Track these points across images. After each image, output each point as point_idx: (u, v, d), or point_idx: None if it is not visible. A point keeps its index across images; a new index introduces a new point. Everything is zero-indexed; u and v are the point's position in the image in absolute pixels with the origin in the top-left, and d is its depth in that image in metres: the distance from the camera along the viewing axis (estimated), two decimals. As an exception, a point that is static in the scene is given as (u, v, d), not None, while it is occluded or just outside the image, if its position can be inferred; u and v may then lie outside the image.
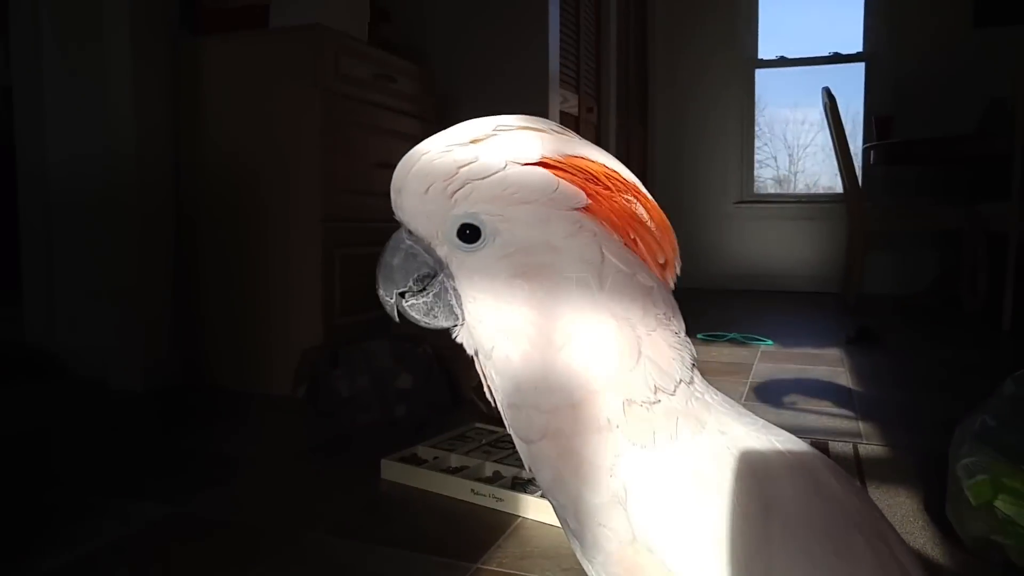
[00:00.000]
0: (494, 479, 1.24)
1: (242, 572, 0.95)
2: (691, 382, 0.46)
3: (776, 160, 4.89)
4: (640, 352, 0.44)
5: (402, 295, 0.50)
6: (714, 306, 3.67)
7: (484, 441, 1.41)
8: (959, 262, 3.58)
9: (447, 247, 0.47)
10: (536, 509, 1.12)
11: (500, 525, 1.11)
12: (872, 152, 3.67)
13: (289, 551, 1.02)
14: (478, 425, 1.49)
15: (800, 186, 4.90)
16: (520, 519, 1.12)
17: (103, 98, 1.85)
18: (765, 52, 4.55)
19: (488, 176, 0.44)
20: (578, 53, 3.10)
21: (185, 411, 1.77)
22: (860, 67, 4.34)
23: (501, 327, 0.46)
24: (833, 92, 3.52)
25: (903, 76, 4.11)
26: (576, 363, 0.44)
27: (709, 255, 4.52)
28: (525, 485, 1.21)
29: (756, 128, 4.63)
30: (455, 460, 1.32)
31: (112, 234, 1.88)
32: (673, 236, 0.48)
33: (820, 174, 4.81)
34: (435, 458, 1.33)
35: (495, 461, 1.29)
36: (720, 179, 4.58)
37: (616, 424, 0.44)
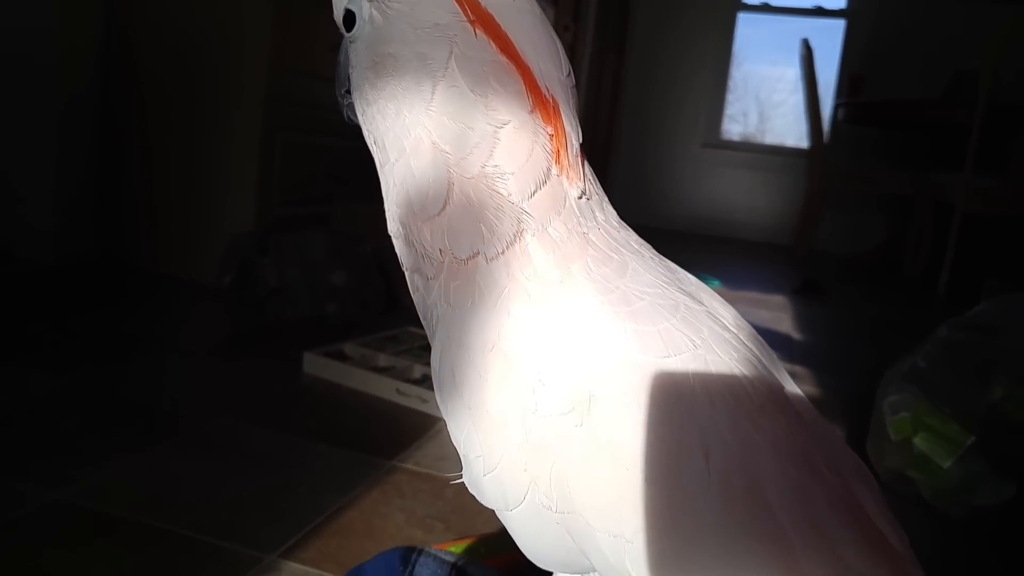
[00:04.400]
0: (422, 381, 1.20)
1: (139, 449, 0.90)
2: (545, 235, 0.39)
3: (745, 117, 4.83)
4: (449, 195, 0.39)
5: (349, 94, 0.45)
6: (668, 245, 3.64)
7: (416, 344, 1.37)
8: (904, 228, 3.65)
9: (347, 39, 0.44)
10: (460, 413, 1.09)
11: (422, 426, 1.07)
12: (841, 109, 3.66)
13: (195, 433, 0.97)
14: (411, 329, 1.44)
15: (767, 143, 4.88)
16: (444, 422, 1.09)
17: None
18: (749, -4, 4.44)
19: None
20: (559, -34, 2.95)
21: (98, 288, 1.66)
22: (840, 25, 4.28)
23: (368, 129, 0.43)
24: (812, 46, 3.47)
25: (881, 37, 4.07)
26: (401, 185, 0.41)
27: (669, 195, 4.50)
28: (452, 389, 1.17)
29: (730, 80, 4.56)
30: (383, 360, 1.27)
31: (28, 97, 1.71)
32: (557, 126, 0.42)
33: (787, 135, 4.78)
34: (362, 356, 1.28)
35: (425, 364, 1.25)
36: (691, 120, 4.51)
37: (428, 275, 0.42)
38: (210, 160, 1.74)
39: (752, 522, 0.34)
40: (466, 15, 0.39)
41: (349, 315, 1.52)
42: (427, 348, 1.31)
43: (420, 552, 0.53)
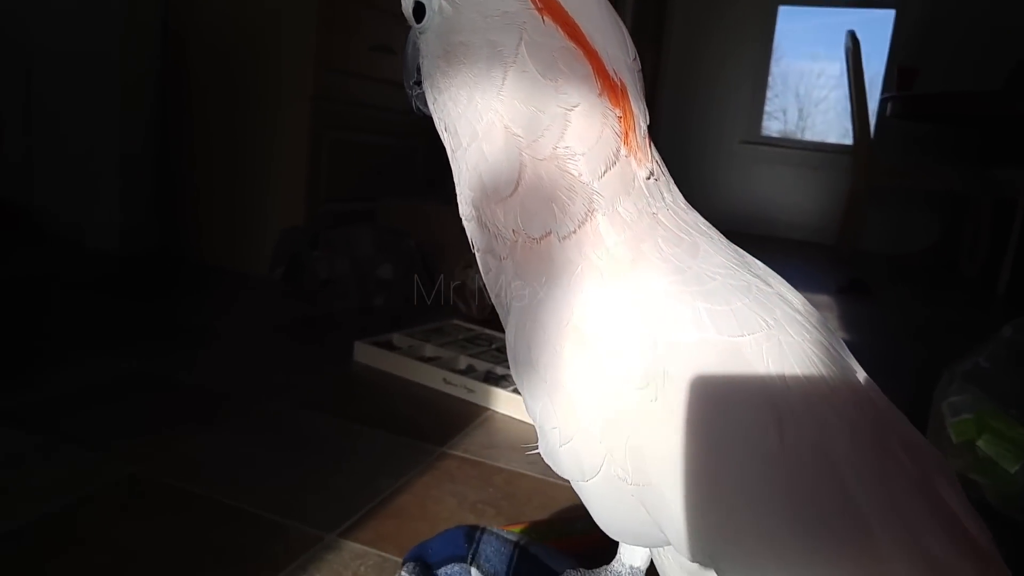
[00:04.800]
0: (467, 371, 1.21)
1: (204, 430, 0.93)
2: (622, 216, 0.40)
3: (785, 114, 4.74)
4: (521, 176, 0.40)
5: (418, 85, 0.46)
6: (708, 244, 3.62)
7: (460, 336, 1.38)
8: (960, 226, 3.54)
9: (416, 30, 0.45)
10: (507, 403, 1.09)
11: (469, 415, 1.08)
12: (889, 103, 3.56)
13: (253, 417, 0.99)
14: (455, 321, 1.45)
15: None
16: (490, 411, 1.10)
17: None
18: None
19: None
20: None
21: (160, 278, 1.72)
22: (889, 15, 4.17)
23: (439, 117, 0.44)
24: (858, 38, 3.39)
25: (933, 28, 3.95)
26: (474, 169, 0.42)
27: (707, 192, 4.44)
28: (498, 380, 1.18)
29: (769, 78, 4.47)
30: (430, 350, 1.29)
31: (95, 96, 1.78)
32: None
33: (828, 133, 4.68)
34: (410, 346, 1.29)
35: (470, 355, 1.26)
36: (730, 115, 4.45)
37: (501, 256, 0.42)
38: (262, 158, 1.78)
39: (828, 500, 0.34)
40: (534, 3, 0.40)
41: (395, 308, 1.54)
42: (471, 340, 1.33)
43: (483, 531, 0.53)
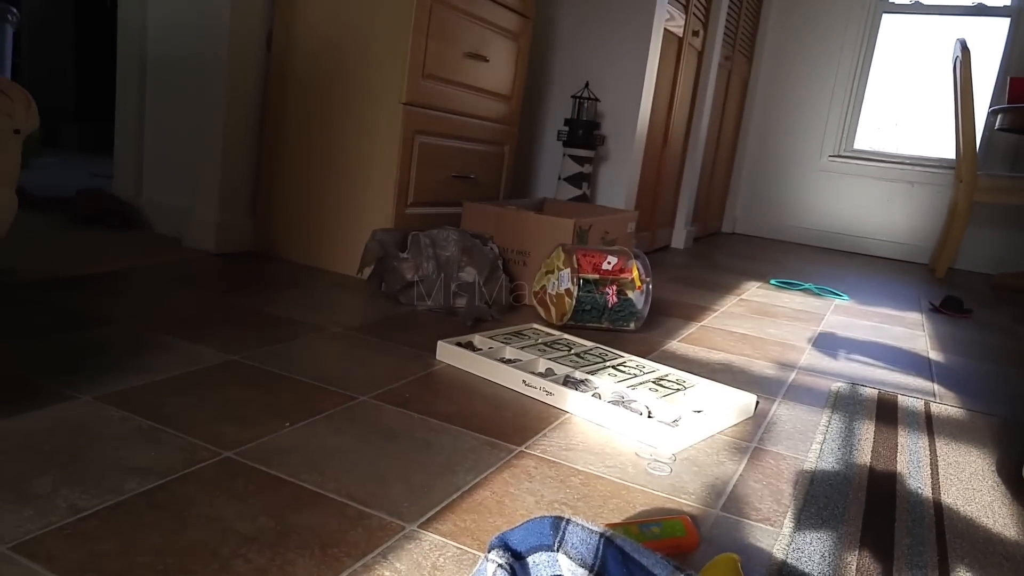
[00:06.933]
0: (546, 374, 1.23)
1: (293, 420, 0.98)
2: None
3: (880, 126, 4.54)
4: None
5: None
6: (793, 257, 3.52)
7: (540, 341, 1.40)
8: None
9: None
10: (586, 408, 1.11)
11: (547, 417, 1.10)
12: (998, 116, 3.37)
13: (339, 409, 1.04)
14: (535, 326, 1.48)
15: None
16: (568, 415, 1.12)
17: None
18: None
19: None
20: (691, -31, 2.90)
21: (251, 275, 1.82)
22: (1002, 24, 3.94)
23: None
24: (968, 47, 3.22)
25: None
26: None
27: (795, 207, 4.31)
28: (577, 384, 1.20)
29: (867, 86, 4.30)
30: (510, 352, 1.31)
31: (200, 104, 1.91)
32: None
33: (926, 146, 4.45)
34: (490, 348, 1.33)
35: (549, 359, 1.28)
36: (820, 128, 4.31)
37: None
38: (355, 160, 1.86)
39: None
40: None
41: (477, 311, 1.57)
42: (550, 345, 1.35)
43: (568, 520, 0.55)
